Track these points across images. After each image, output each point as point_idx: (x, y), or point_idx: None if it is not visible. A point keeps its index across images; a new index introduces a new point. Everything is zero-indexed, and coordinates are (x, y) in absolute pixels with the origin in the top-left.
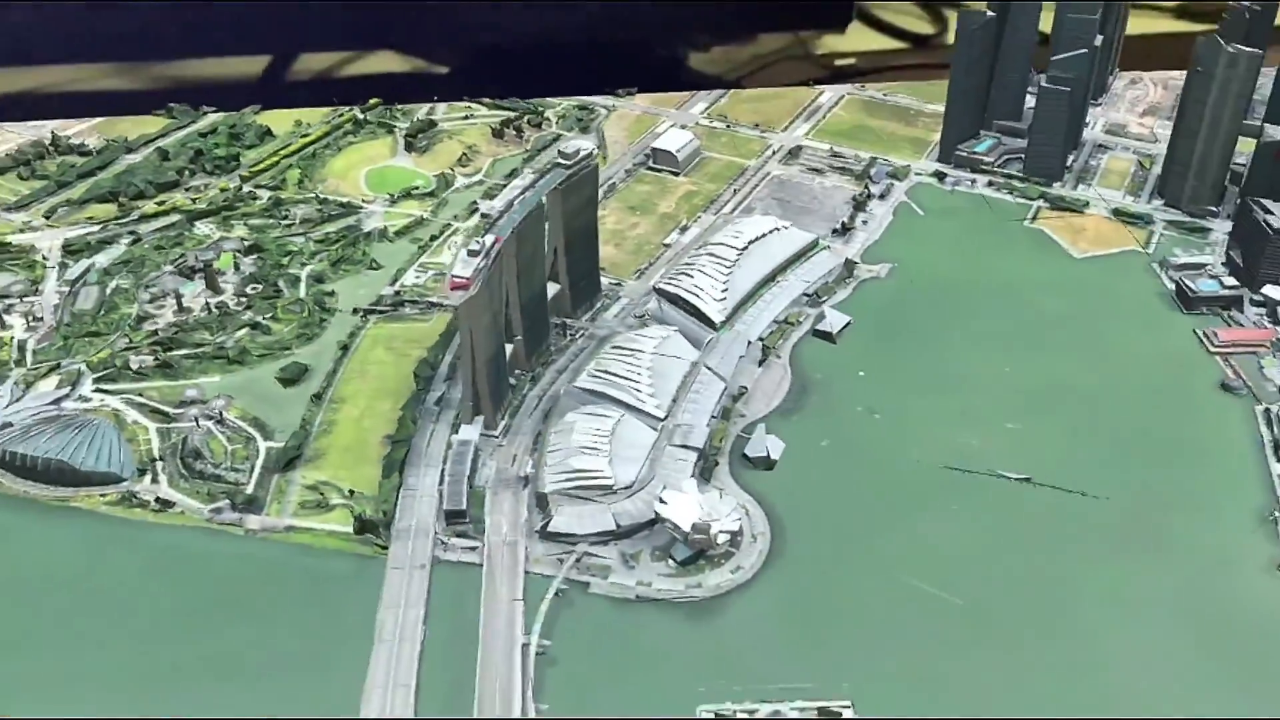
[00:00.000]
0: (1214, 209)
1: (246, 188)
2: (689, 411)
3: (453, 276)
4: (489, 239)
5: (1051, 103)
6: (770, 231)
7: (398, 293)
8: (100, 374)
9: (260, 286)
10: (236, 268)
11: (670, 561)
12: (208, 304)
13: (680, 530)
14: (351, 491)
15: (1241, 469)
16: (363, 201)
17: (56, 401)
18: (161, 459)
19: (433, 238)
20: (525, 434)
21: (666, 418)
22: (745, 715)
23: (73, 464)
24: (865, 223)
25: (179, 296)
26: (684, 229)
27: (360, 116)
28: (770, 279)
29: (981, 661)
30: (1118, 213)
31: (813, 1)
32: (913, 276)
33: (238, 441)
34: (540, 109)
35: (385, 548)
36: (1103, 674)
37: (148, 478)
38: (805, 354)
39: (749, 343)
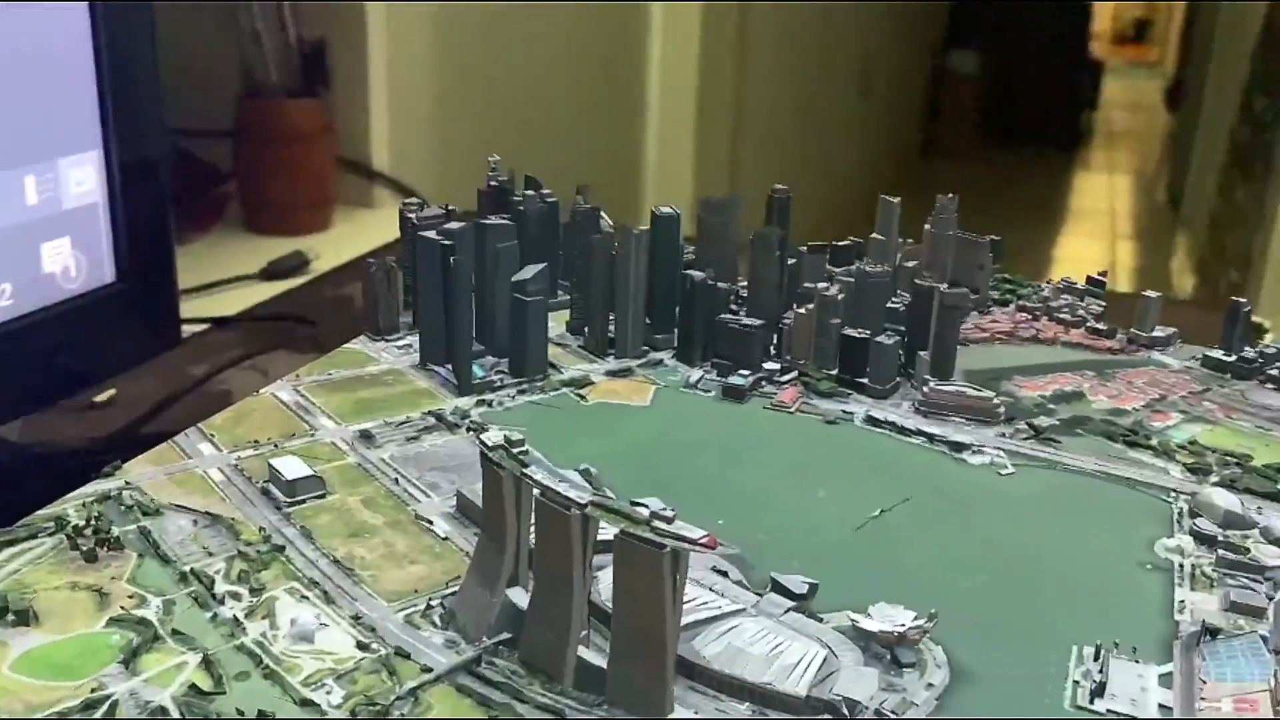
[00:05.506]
0: (661, 337)
1: None
2: None
3: None
4: None
5: (534, 314)
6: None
7: (399, 649)
8: None
9: None
10: None
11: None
12: None
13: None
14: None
15: None
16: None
17: None
18: None
19: (264, 614)
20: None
21: None
22: None
23: None
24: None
25: None
26: (429, 523)
27: None
28: None
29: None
30: (612, 373)
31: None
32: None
33: None
34: (68, 521)
35: None
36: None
37: None
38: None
39: None
